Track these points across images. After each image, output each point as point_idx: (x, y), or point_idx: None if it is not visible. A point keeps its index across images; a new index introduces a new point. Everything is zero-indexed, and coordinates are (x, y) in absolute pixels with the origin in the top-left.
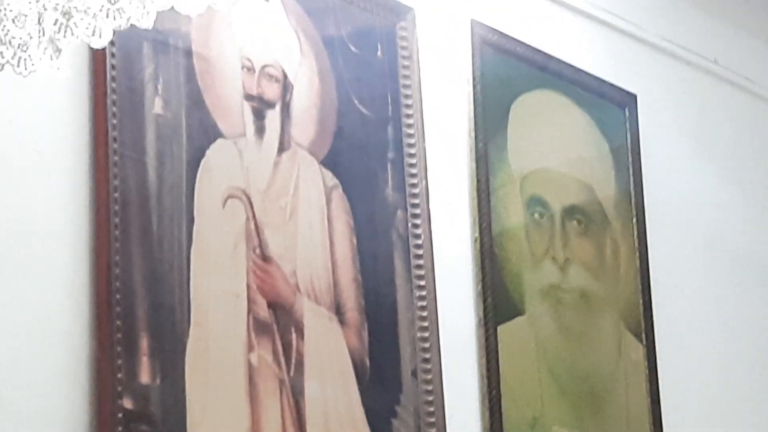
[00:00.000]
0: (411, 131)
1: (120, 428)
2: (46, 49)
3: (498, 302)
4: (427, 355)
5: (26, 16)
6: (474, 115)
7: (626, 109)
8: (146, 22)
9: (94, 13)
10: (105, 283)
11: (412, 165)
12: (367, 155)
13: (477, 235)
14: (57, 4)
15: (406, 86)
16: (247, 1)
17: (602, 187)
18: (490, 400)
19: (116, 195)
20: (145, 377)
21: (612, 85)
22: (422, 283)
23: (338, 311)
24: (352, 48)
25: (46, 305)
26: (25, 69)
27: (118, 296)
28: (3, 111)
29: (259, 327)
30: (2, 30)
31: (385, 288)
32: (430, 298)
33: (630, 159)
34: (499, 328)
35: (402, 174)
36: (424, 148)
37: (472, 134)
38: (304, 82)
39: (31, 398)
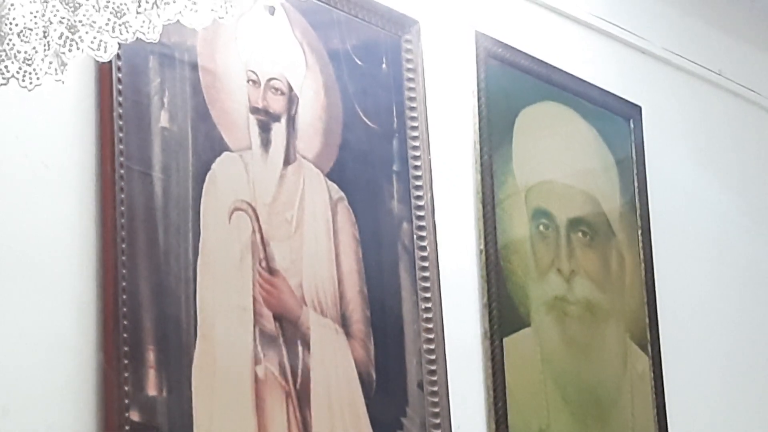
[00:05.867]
0: (416, 143)
1: None
2: (51, 63)
3: (504, 314)
4: (433, 367)
5: (31, 30)
6: (479, 128)
7: (631, 121)
8: (152, 36)
9: (100, 27)
10: (112, 296)
11: (417, 177)
12: (372, 168)
13: (482, 247)
14: (63, 19)
15: (411, 99)
16: (252, 14)
17: (607, 198)
18: (496, 412)
19: (122, 208)
20: (151, 390)
21: (617, 96)
22: (428, 295)
23: (344, 323)
24: (357, 61)
25: (53, 318)
26: (30, 83)
27: (124, 309)
28: (10, 125)
29: (265, 339)
30: (8, 44)
31: (390, 300)
32: (435, 310)
33: (635, 170)
34: (504, 340)
35: (407, 186)
36: (430, 161)
37: (477, 146)
38: (310, 95)
39: (38, 411)
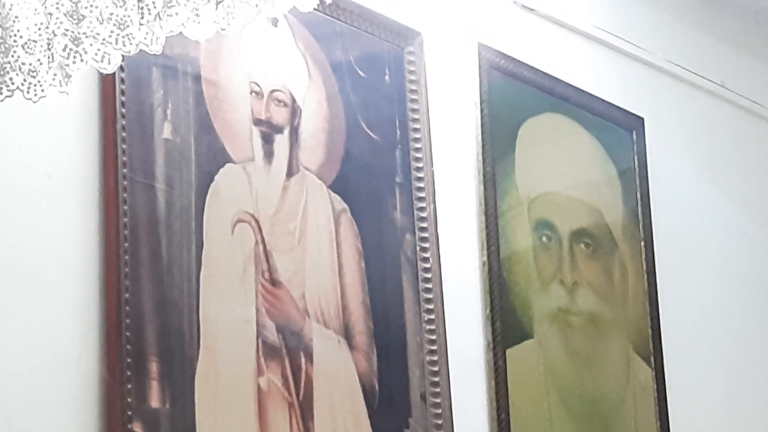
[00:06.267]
0: (419, 155)
1: None
2: (55, 75)
3: (506, 326)
4: (436, 379)
5: (36, 42)
6: (482, 139)
7: (634, 133)
8: (155, 48)
9: (103, 39)
10: (115, 308)
11: (420, 189)
12: (375, 179)
13: (485, 258)
14: (66, 31)
15: (413, 110)
16: (255, 26)
17: (610, 210)
18: (499, 424)
19: (126, 220)
20: (154, 401)
21: (619, 108)
22: (431, 306)
23: (347, 335)
24: (360, 72)
25: (56, 330)
26: (35, 95)
27: (127, 321)
28: (13, 136)
29: (268, 351)
30: (12, 56)
31: (393, 311)
32: (438, 321)
33: (637, 182)
34: (507, 352)
35: (410, 198)
36: (432, 172)
37: (480, 158)
38: (313, 107)
39: (41, 423)
